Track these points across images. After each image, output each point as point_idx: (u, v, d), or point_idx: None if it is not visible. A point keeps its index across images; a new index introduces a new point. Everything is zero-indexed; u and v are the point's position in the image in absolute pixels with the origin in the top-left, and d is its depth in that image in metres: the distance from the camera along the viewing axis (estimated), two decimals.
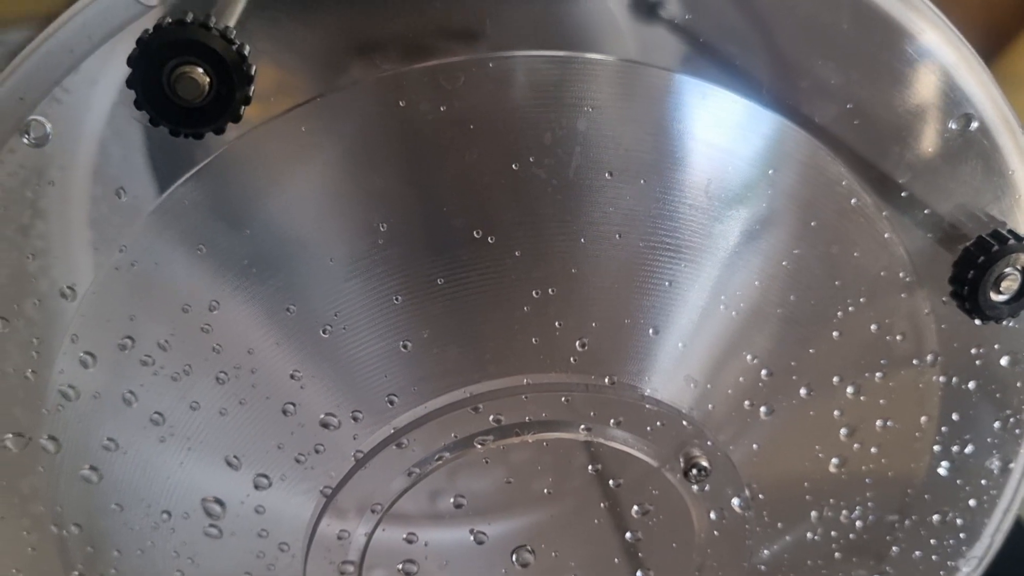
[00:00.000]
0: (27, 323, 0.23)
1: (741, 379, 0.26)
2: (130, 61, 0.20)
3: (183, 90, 0.20)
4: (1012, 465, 0.30)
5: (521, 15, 0.22)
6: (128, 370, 0.23)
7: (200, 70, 0.20)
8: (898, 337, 0.27)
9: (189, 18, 0.20)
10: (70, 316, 0.23)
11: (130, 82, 0.20)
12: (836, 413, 0.27)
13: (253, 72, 0.20)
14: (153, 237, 0.22)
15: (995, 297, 0.25)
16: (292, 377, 0.23)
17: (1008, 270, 0.25)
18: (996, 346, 0.28)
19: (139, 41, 0.20)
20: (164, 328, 0.23)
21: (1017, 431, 0.29)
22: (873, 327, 0.26)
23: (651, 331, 0.24)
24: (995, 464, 0.30)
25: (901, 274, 0.26)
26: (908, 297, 0.26)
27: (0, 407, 0.24)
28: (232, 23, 0.20)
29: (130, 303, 0.23)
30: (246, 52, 0.20)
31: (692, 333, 0.25)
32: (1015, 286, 0.25)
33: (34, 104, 0.21)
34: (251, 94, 0.20)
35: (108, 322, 0.23)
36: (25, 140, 0.21)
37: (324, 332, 0.23)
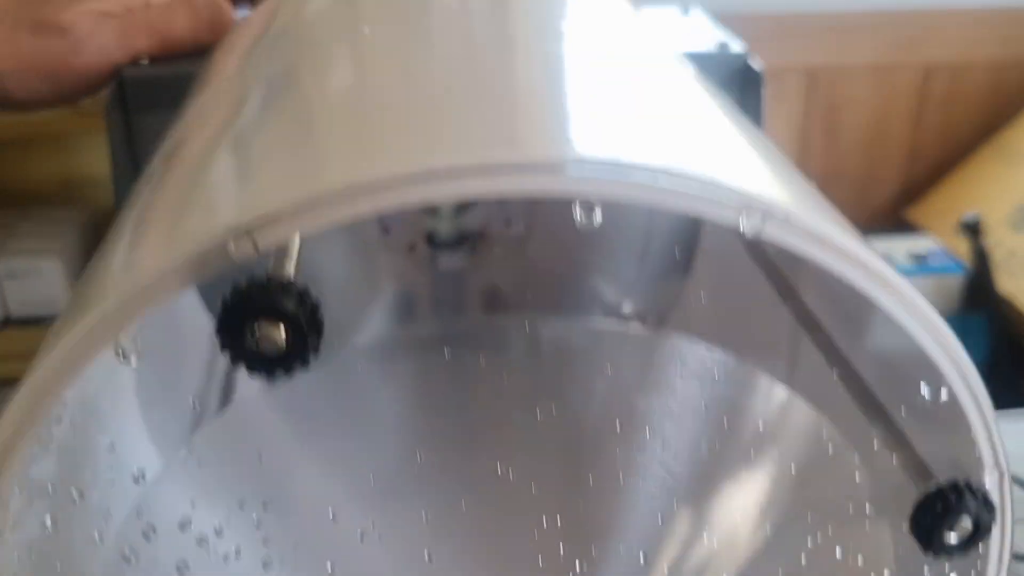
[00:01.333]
0: (100, 498, 0.26)
1: None
2: (217, 320, 0.23)
3: (263, 344, 0.23)
4: None
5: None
6: (184, 545, 0.27)
7: (279, 326, 0.23)
8: (859, 558, 0.30)
9: (267, 280, 0.23)
10: (138, 495, 0.26)
11: (217, 330, 0.23)
12: None
13: (323, 324, 0.23)
14: (219, 441, 0.26)
15: (948, 540, 0.29)
16: (330, 572, 0.27)
17: (962, 517, 0.28)
18: (946, 567, 0.31)
19: (224, 303, 0.23)
20: (220, 516, 0.26)
21: None
22: (838, 551, 0.30)
23: (641, 558, 0.28)
24: None
25: (867, 508, 0.29)
26: (871, 526, 0.30)
27: (71, 569, 0.27)
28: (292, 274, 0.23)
29: (192, 492, 0.26)
30: (319, 309, 0.23)
31: (677, 558, 0.28)
32: (968, 529, 0.29)
33: (127, 328, 0.24)
34: (320, 344, 0.24)
35: (171, 504, 0.26)
36: (117, 356, 0.25)
37: (361, 539, 0.26)
